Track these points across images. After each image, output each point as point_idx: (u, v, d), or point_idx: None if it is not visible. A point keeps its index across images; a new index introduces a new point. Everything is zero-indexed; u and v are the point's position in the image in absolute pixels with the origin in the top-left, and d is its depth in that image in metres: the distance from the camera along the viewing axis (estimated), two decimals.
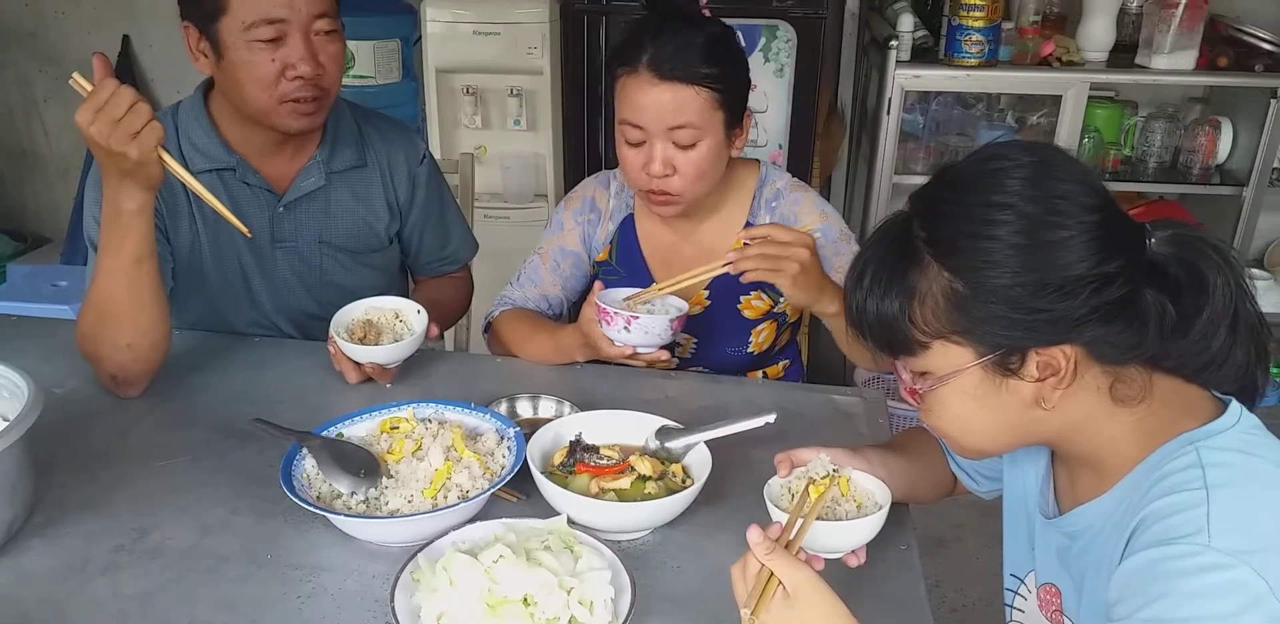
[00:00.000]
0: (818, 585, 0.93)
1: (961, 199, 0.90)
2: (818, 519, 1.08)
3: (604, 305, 1.49)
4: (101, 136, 1.28)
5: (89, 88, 1.31)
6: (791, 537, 1.01)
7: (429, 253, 1.87)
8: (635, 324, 1.47)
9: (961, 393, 0.93)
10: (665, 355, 1.53)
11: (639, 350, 1.50)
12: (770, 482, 1.16)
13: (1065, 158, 0.92)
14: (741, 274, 1.46)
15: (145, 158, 1.31)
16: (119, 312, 1.43)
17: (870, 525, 1.10)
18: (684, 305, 1.55)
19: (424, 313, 1.56)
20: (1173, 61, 2.84)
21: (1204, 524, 0.83)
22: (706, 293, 1.73)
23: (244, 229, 1.43)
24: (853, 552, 1.12)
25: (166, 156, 1.35)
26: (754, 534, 0.95)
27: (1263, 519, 0.84)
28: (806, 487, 1.12)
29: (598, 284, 1.55)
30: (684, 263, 1.70)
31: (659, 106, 1.51)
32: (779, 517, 1.09)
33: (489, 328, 1.77)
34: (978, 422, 0.96)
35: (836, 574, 1.09)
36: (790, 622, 0.93)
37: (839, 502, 1.14)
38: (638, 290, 1.56)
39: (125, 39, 3.71)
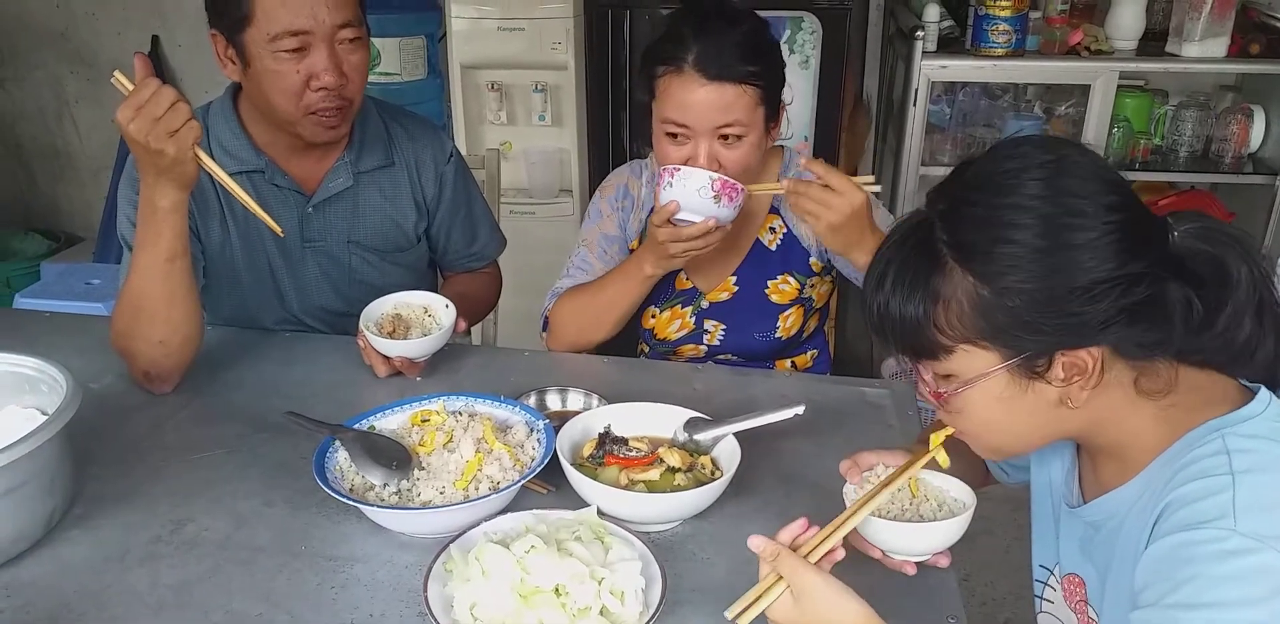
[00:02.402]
0: (823, 585, 0.93)
1: (983, 200, 0.89)
2: (905, 521, 1.07)
3: (660, 166, 1.53)
4: (140, 134, 1.30)
5: (130, 87, 1.33)
6: (853, 513, 1.02)
7: (457, 250, 1.88)
8: (678, 175, 1.49)
9: (987, 396, 0.93)
10: (712, 224, 1.51)
11: (682, 215, 1.50)
12: (846, 489, 1.14)
13: (1084, 154, 0.91)
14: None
15: (182, 156, 1.33)
16: (152, 308, 1.45)
17: (958, 524, 1.08)
18: (735, 182, 1.53)
19: (452, 307, 1.57)
20: (1204, 49, 2.80)
21: (1230, 509, 0.83)
22: (734, 278, 1.74)
23: (277, 228, 1.45)
24: (938, 553, 1.11)
25: (203, 155, 1.37)
26: (754, 542, 0.97)
27: None
28: (914, 459, 1.10)
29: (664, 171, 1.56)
30: (710, 251, 1.70)
31: (706, 107, 1.51)
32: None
33: (547, 323, 1.76)
34: (1004, 424, 0.96)
35: (867, 568, 1.10)
36: (798, 619, 0.94)
37: (919, 502, 1.12)
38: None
39: (155, 39, 3.75)
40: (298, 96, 1.53)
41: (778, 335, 1.75)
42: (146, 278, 1.44)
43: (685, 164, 1.55)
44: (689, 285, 1.76)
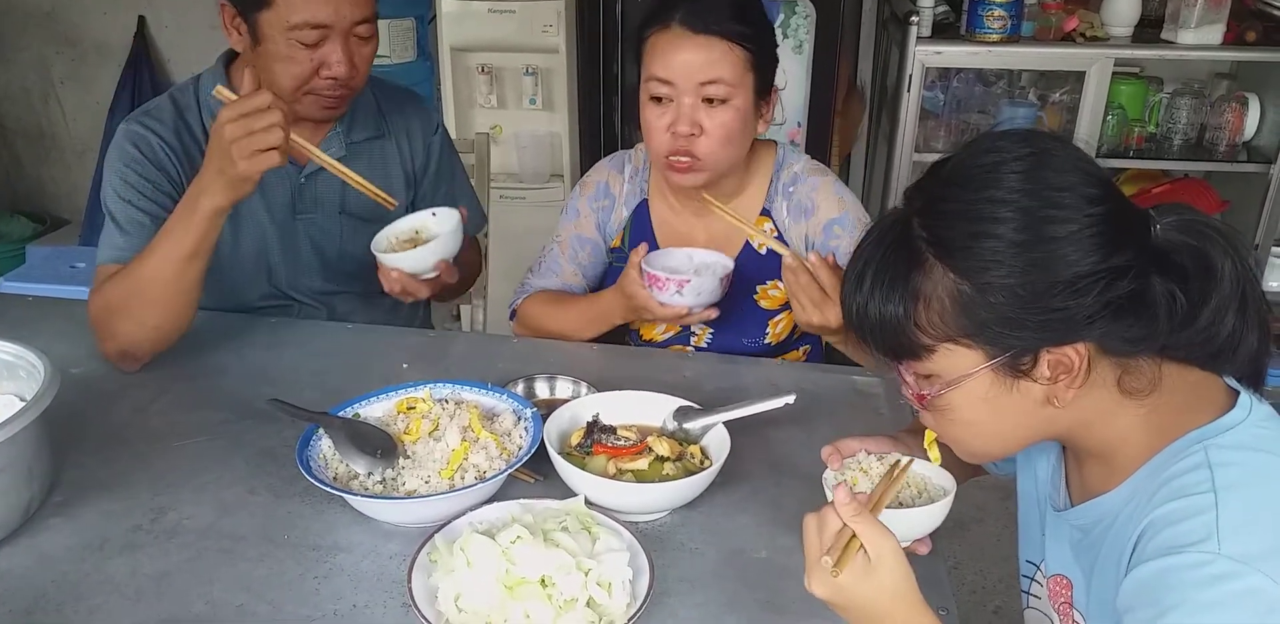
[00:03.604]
0: (900, 557, 0.91)
1: (961, 196, 0.88)
2: (885, 507, 1.06)
3: (653, 271, 1.48)
4: (231, 136, 1.31)
5: (231, 97, 1.36)
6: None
7: None
8: (688, 287, 1.47)
9: (971, 396, 0.91)
10: (715, 312, 1.52)
11: (691, 309, 1.50)
12: (825, 475, 1.14)
13: (1064, 147, 0.89)
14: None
15: (246, 174, 1.35)
16: (157, 295, 1.44)
17: (939, 510, 1.08)
18: (729, 263, 1.54)
19: (455, 216, 1.55)
20: (1199, 36, 2.79)
21: (1213, 530, 0.81)
22: None
23: (389, 200, 1.47)
24: (917, 540, 1.10)
25: (302, 141, 1.41)
26: (842, 494, 0.92)
27: (1274, 519, 0.83)
28: (897, 464, 1.09)
29: (639, 248, 1.52)
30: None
31: (691, 61, 1.48)
32: None
33: (514, 315, 1.77)
34: (988, 425, 0.94)
35: None
36: (866, 587, 0.91)
37: (900, 488, 1.12)
38: (682, 250, 1.59)
39: (140, 20, 3.70)
40: (304, 82, 1.54)
41: (767, 341, 1.70)
42: (161, 265, 1.43)
43: (669, 130, 1.51)
44: None
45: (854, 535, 0.91)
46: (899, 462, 1.09)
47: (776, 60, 1.57)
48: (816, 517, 0.94)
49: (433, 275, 1.54)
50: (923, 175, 0.94)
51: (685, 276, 1.48)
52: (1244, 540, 0.81)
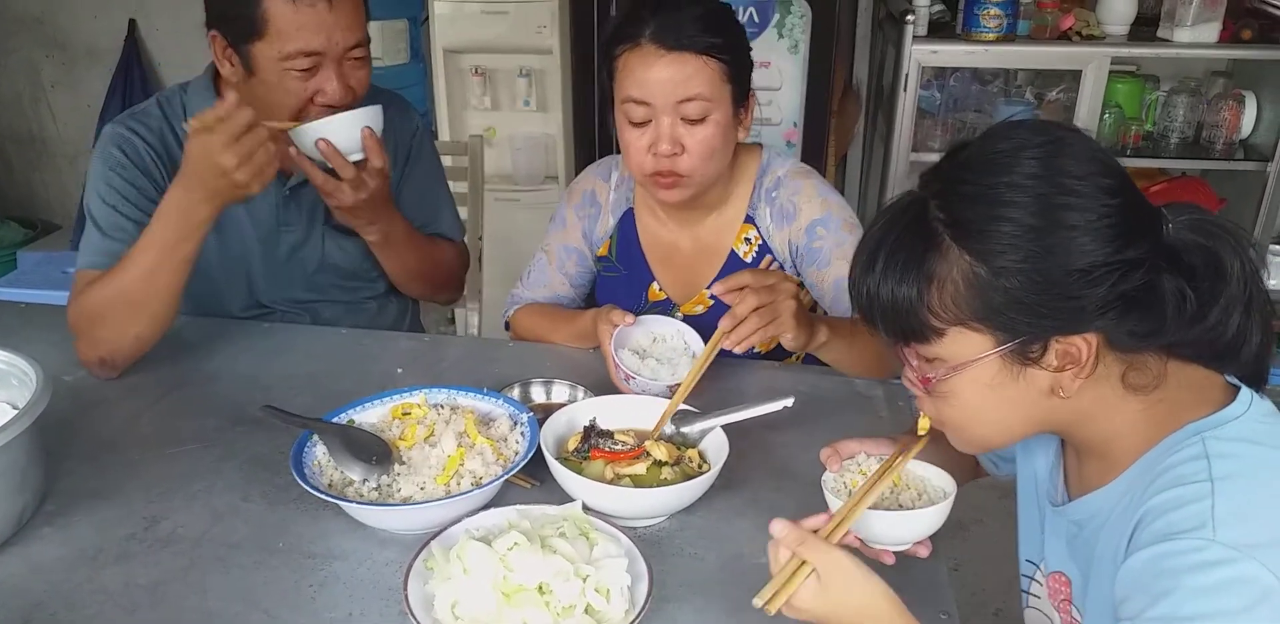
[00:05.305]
0: (850, 566, 0.91)
1: (980, 180, 0.88)
2: (884, 510, 1.06)
3: (614, 352, 1.42)
4: (233, 163, 1.34)
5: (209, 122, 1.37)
6: (842, 518, 1.00)
7: (414, 223, 1.80)
8: (633, 382, 1.41)
9: (976, 382, 0.91)
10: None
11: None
12: (825, 477, 1.13)
13: (1081, 138, 0.90)
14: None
15: (257, 192, 1.39)
16: (144, 302, 1.43)
17: (938, 513, 1.07)
18: (699, 351, 1.46)
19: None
20: (1195, 34, 2.79)
21: (1208, 518, 0.81)
22: (709, 292, 1.64)
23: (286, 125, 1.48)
24: (918, 543, 1.10)
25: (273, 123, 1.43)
26: (777, 527, 0.93)
27: (1271, 511, 0.82)
28: (886, 468, 1.09)
29: (626, 317, 1.46)
30: (683, 259, 1.65)
31: (666, 79, 1.43)
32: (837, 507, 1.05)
33: (509, 325, 1.77)
34: (991, 412, 0.94)
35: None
36: (826, 606, 0.91)
37: (900, 491, 1.11)
38: (659, 321, 1.51)
39: (131, 23, 3.69)
40: (300, 110, 1.52)
41: (757, 350, 1.63)
42: (153, 276, 1.42)
43: (650, 151, 1.46)
44: (663, 296, 1.69)
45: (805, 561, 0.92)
46: (891, 459, 1.09)
47: (752, 64, 1.53)
48: (774, 547, 0.95)
49: (359, 157, 1.51)
50: (939, 160, 0.93)
51: (631, 373, 1.40)
52: (1239, 529, 0.81)
